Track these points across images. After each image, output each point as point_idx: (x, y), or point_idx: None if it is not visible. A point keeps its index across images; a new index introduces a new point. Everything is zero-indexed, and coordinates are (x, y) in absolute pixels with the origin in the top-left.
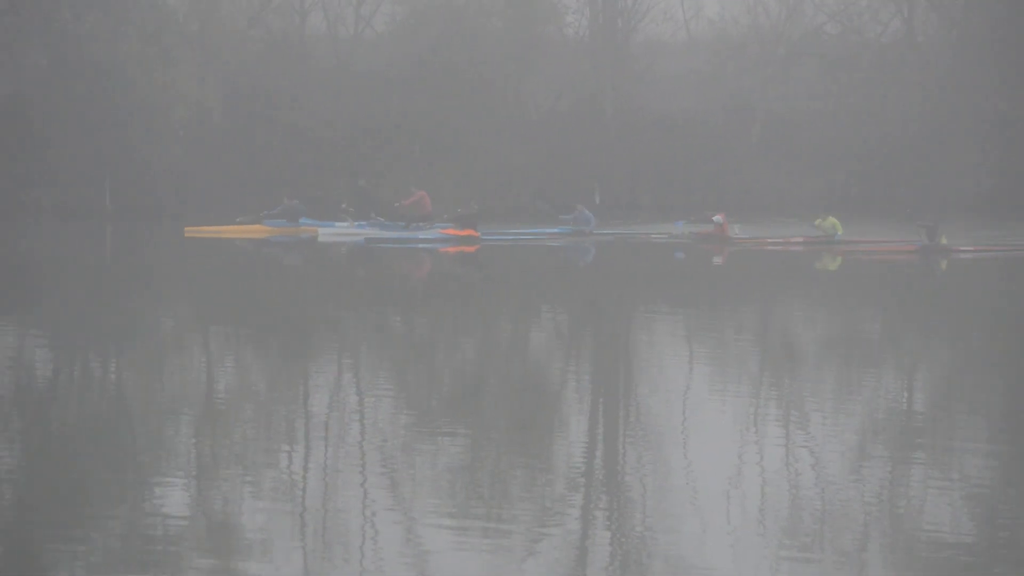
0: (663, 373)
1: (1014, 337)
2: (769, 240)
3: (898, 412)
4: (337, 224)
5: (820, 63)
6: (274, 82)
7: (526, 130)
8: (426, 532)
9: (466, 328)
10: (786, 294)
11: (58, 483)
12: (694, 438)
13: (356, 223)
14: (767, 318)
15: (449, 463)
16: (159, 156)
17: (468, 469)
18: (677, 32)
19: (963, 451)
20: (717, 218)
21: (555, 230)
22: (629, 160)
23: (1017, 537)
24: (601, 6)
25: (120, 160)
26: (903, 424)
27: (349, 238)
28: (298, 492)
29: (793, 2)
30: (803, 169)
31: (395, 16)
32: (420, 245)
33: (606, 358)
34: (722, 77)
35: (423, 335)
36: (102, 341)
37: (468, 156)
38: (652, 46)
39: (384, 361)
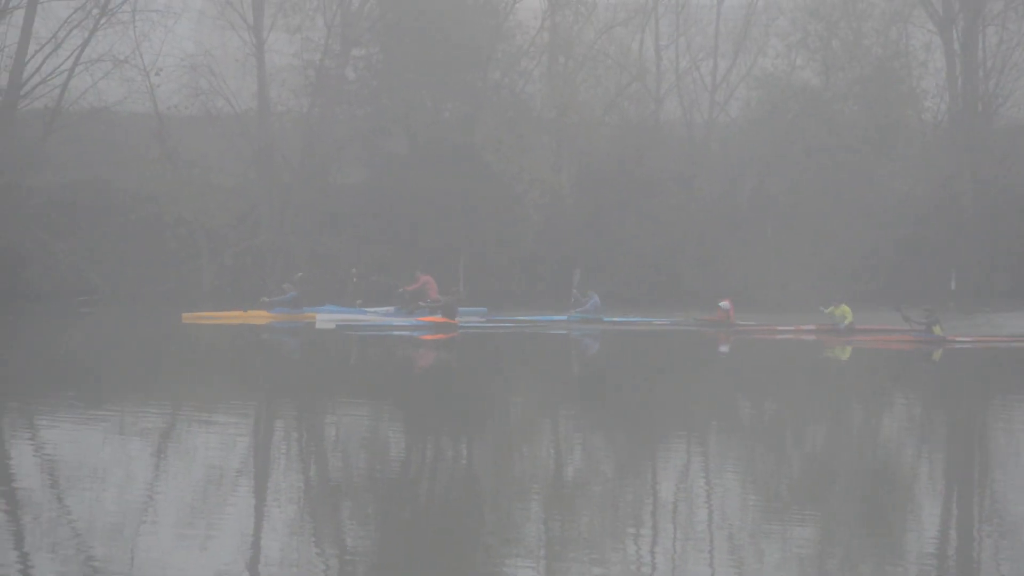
0: (1019, 462)
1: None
2: (779, 328)
3: None
4: (335, 310)
5: None
6: (628, 167)
7: (881, 215)
8: None
9: (814, 414)
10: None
11: (405, 562)
12: None
13: (361, 309)
14: None
15: (798, 548)
16: (512, 240)
17: (818, 556)
18: None
19: None
20: (723, 304)
21: (565, 317)
22: (988, 244)
23: None
24: (960, 91)
25: (473, 244)
26: None
27: (343, 324)
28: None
29: None
30: None
31: (750, 101)
32: (396, 332)
33: (955, 445)
34: None
35: (770, 418)
36: (452, 423)
37: (819, 239)
38: (1013, 131)
39: (732, 446)
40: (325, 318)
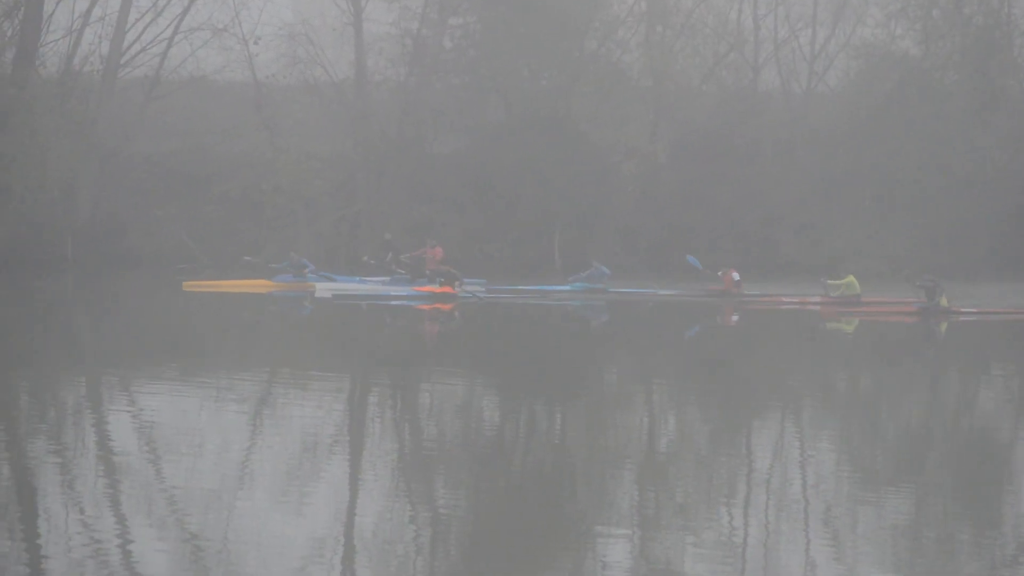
0: None
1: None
2: (784, 299)
3: None
4: (337, 279)
5: None
6: (725, 137)
7: (981, 185)
8: None
9: (911, 386)
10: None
11: (502, 530)
12: None
13: (363, 279)
14: None
15: (894, 520)
16: (608, 211)
17: (913, 526)
18: None
19: None
20: (734, 274)
21: (566, 287)
22: None
23: None
24: None
25: (568, 214)
26: None
27: (343, 292)
28: (738, 546)
29: None
30: None
31: (849, 71)
32: (394, 302)
33: None
34: None
35: (865, 393)
36: (545, 393)
37: (918, 210)
38: None
39: (826, 418)
40: (324, 287)
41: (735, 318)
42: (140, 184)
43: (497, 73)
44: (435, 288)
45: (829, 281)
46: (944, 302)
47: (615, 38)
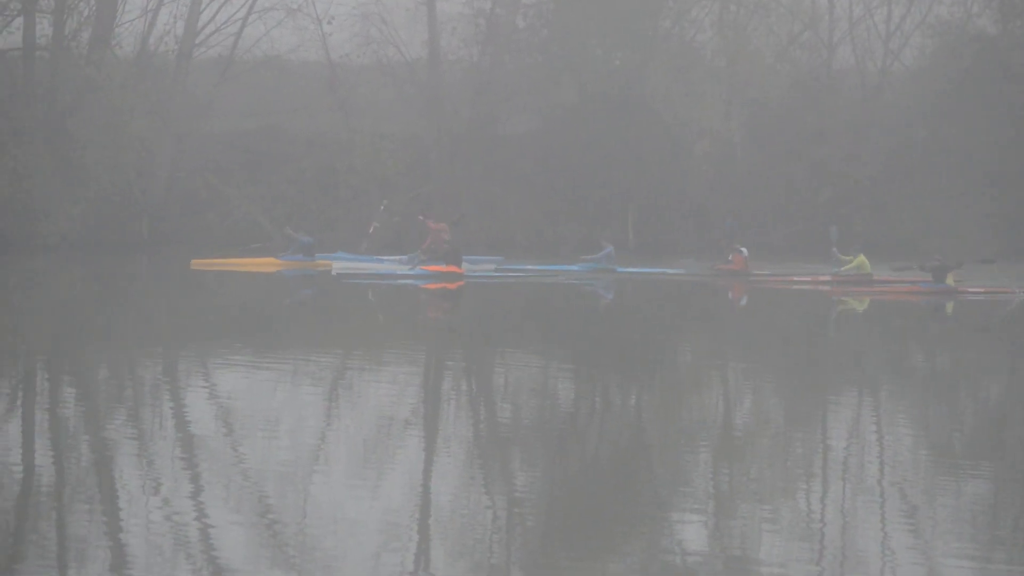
0: None
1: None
2: (794, 278)
3: None
4: (347, 257)
5: None
6: (799, 116)
7: None
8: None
9: (989, 366)
10: None
11: (575, 512)
12: None
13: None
14: None
15: (972, 503)
16: (682, 191)
17: (991, 509)
18: None
19: None
20: (744, 250)
21: (577, 267)
22: None
23: None
24: None
25: (641, 194)
26: None
27: (359, 271)
28: (815, 529)
29: None
30: None
31: (924, 49)
32: (400, 281)
33: None
34: None
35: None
36: (627, 372)
37: (994, 191)
38: None
39: (904, 398)
40: (340, 266)
41: (743, 300)
42: (215, 164)
43: (570, 53)
44: (441, 267)
45: (840, 256)
46: (951, 281)
47: (689, 17)
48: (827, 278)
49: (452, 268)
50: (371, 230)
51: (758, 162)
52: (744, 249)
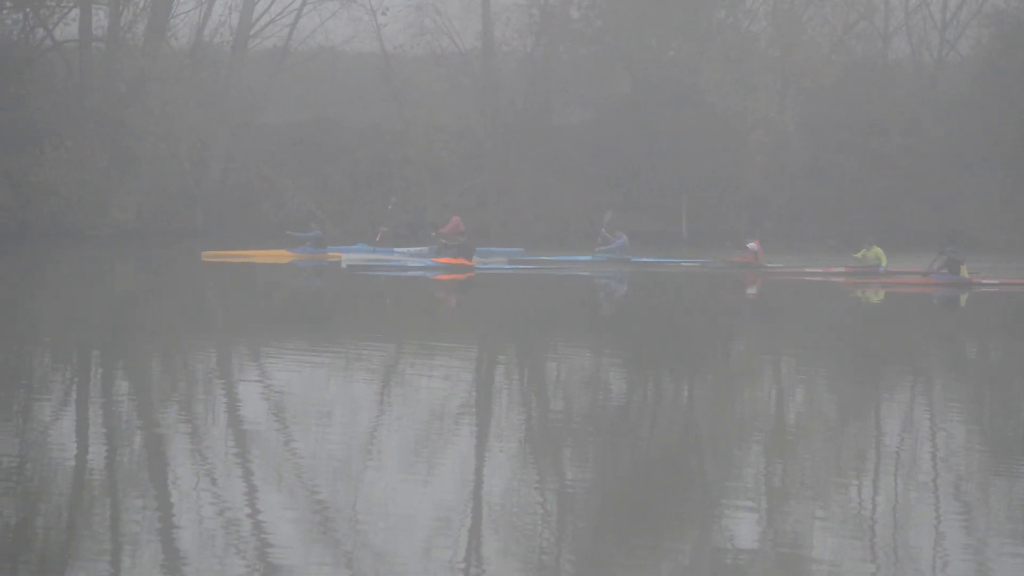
0: None
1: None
2: (807, 270)
3: None
4: (358, 249)
5: None
6: (854, 107)
7: None
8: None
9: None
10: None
11: (627, 503)
12: None
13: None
14: None
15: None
16: (736, 182)
17: None
18: None
19: None
20: (751, 245)
21: (588, 258)
22: None
23: None
24: None
25: (696, 185)
26: None
27: (369, 263)
28: (866, 524)
29: None
30: None
31: (981, 39)
32: (411, 273)
33: None
34: None
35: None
36: (676, 364)
37: None
38: None
39: (955, 392)
40: (351, 258)
41: (752, 290)
42: (269, 154)
43: (624, 43)
44: (451, 259)
45: (854, 255)
46: (965, 273)
47: (743, 8)
48: (841, 269)
49: (462, 260)
50: (378, 237)
51: (812, 152)
52: (752, 244)
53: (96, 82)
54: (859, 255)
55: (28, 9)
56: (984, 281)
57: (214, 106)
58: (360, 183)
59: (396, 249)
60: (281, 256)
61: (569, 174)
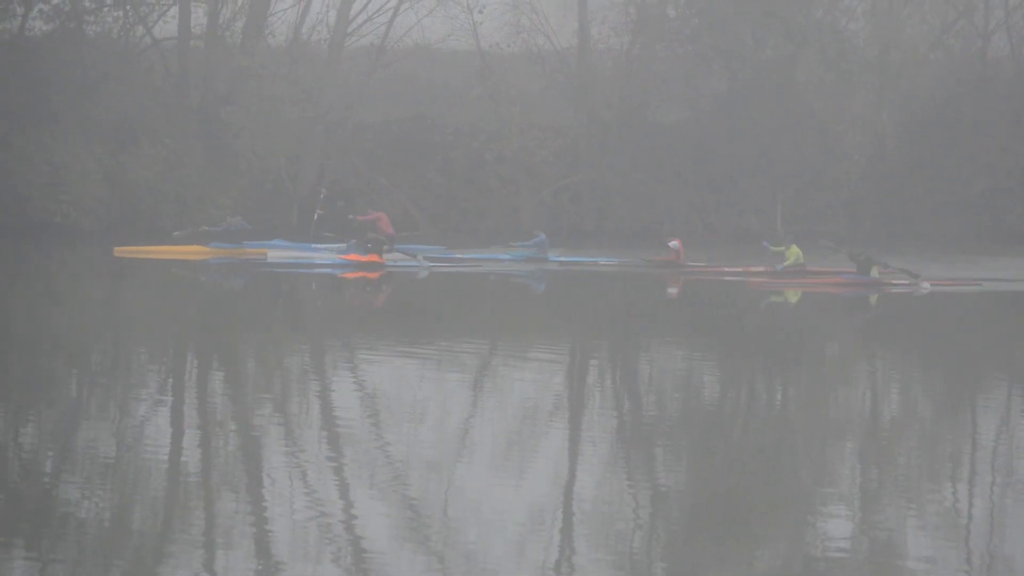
0: None
1: None
2: (727, 269)
3: None
4: (285, 245)
5: None
6: (952, 107)
7: None
8: None
9: None
10: None
11: (719, 501)
12: None
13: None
14: None
15: None
16: (833, 182)
17: None
18: None
19: None
20: (673, 243)
21: (507, 256)
22: None
23: None
24: None
25: (792, 185)
26: None
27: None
28: (961, 524)
29: None
30: None
31: None
32: (318, 270)
33: None
34: None
35: None
36: (765, 363)
37: None
38: None
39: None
40: (276, 254)
41: (673, 290)
42: (365, 152)
43: (721, 42)
44: (361, 256)
45: (772, 248)
46: (875, 273)
47: (841, 6)
48: (761, 269)
49: (373, 258)
50: (315, 217)
51: (911, 153)
52: (674, 242)
53: (194, 80)
54: (776, 251)
55: (128, 7)
56: (893, 282)
57: (311, 104)
58: (455, 182)
59: (313, 245)
60: (196, 252)
61: (664, 173)
